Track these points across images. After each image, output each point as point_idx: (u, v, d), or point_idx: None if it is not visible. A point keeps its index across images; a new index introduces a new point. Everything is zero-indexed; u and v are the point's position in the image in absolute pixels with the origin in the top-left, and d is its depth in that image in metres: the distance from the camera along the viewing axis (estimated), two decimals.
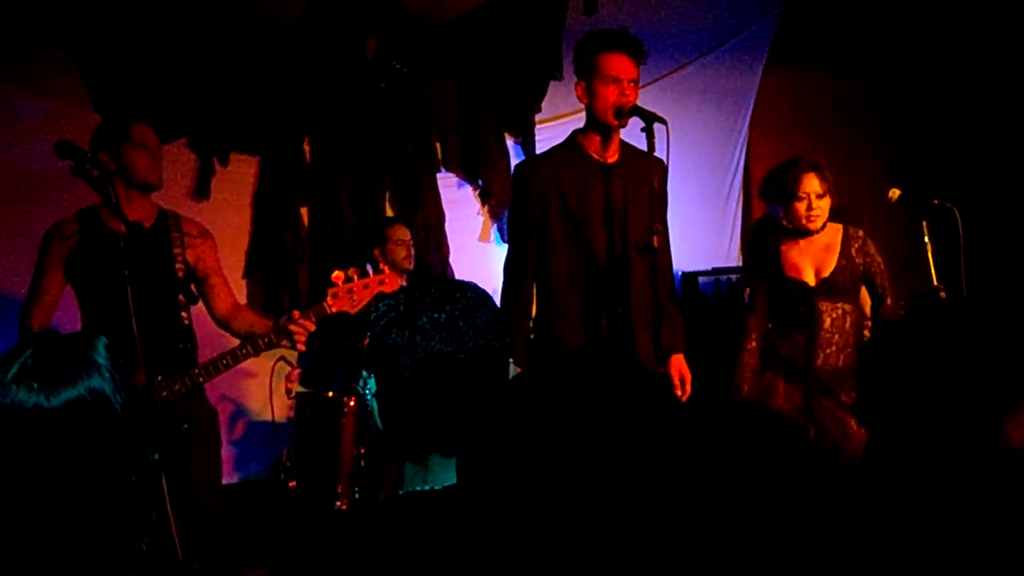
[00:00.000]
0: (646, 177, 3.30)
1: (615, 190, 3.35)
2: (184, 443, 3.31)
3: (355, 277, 3.28)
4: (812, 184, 3.76)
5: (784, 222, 3.86)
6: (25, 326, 3.32)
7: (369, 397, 1.51)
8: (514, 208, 3.52)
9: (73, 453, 1.17)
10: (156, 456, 2.80)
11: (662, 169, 3.44)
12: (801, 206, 3.77)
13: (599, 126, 3.35)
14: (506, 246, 5.67)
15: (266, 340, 3.25)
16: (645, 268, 3.34)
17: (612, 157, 3.40)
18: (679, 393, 3.46)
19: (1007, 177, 6.06)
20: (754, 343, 3.91)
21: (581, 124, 3.47)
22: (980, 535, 1.43)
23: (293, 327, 3.22)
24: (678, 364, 3.51)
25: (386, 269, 3.41)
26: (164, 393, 3.21)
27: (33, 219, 4.11)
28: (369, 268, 3.37)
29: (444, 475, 1.49)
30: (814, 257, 3.85)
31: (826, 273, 3.81)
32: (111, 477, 1.20)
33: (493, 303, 1.53)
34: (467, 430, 1.40)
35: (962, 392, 1.56)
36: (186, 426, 3.26)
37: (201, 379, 3.29)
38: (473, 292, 1.51)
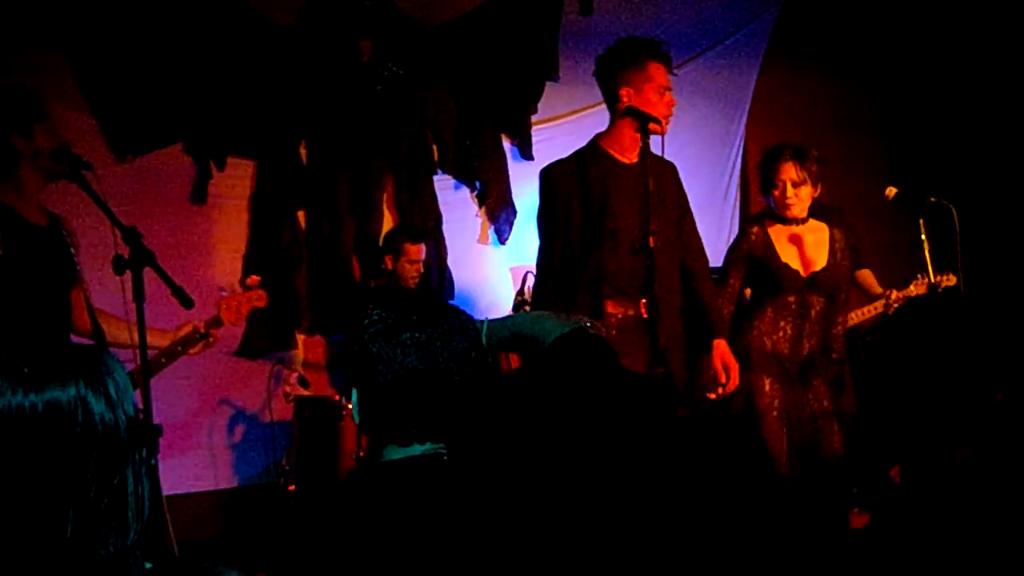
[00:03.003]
0: (669, 182, 3.47)
1: (641, 190, 3.38)
2: None
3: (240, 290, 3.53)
4: (788, 172, 3.80)
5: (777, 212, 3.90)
6: None
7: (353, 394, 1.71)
8: (543, 211, 3.54)
9: (44, 455, 1.17)
10: (154, 461, 2.83)
11: (673, 170, 3.58)
12: (776, 193, 3.84)
13: (636, 127, 3.35)
14: (503, 248, 5.73)
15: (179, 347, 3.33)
16: (673, 262, 3.43)
17: (635, 158, 3.43)
18: (723, 380, 3.50)
19: (1003, 174, 6.07)
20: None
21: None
22: (973, 527, 1.43)
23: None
24: (720, 350, 3.55)
25: (255, 282, 3.53)
26: None
27: None
28: (249, 281, 3.54)
29: None
30: (805, 249, 3.89)
31: (816, 268, 3.85)
32: (84, 483, 1.19)
33: (475, 331, 1.71)
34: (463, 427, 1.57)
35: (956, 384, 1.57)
36: None
37: None
38: (456, 319, 1.69)
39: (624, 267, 3.36)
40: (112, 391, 1.21)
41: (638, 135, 3.36)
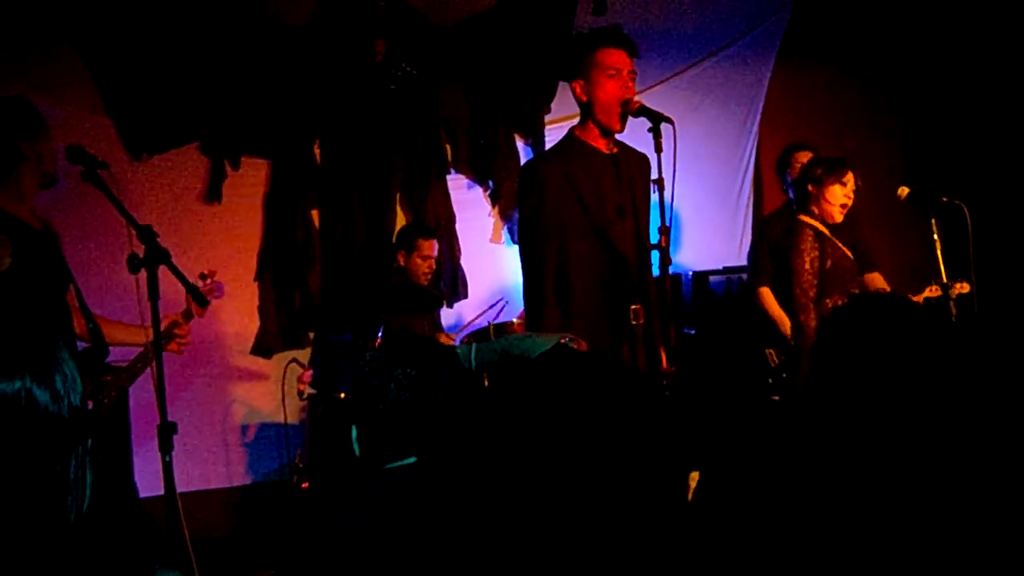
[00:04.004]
0: (641, 175, 3.35)
1: (624, 181, 3.33)
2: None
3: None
4: (851, 180, 3.99)
5: (813, 207, 4.00)
6: None
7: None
8: (528, 208, 3.35)
9: None
10: (169, 458, 2.85)
11: (650, 168, 3.42)
12: (840, 191, 3.95)
13: (601, 122, 3.30)
14: (517, 247, 5.73)
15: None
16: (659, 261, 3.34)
17: (613, 149, 3.37)
18: None
19: (1016, 174, 6.04)
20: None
21: None
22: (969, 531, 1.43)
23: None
24: None
25: (211, 273, 3.70)
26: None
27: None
28: (206, 272, 3.71)
29: None
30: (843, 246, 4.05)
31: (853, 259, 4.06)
32: (23, 468, 1.24)
33: (457, 362, 1.93)
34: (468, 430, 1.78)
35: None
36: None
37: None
38: (439, 351, 1.92)
39: (624, 264, 3.29)
40: (59, 384, 1.28)
41: (607, 128, 3.30)
